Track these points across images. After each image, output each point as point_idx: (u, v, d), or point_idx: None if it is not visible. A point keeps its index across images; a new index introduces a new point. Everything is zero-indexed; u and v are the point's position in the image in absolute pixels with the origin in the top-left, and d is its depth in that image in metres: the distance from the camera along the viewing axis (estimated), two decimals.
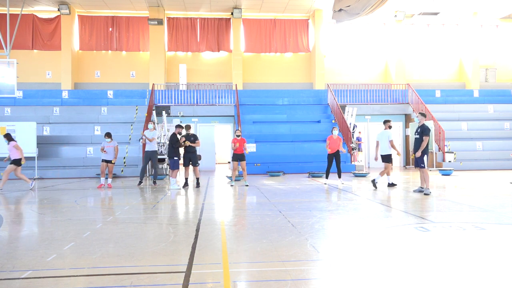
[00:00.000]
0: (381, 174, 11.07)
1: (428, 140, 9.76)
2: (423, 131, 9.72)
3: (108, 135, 12.04)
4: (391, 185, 11.14)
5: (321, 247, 4.94)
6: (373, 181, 10.89)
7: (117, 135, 17.54)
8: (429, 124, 17.96)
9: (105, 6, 21.55)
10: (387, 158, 11.20)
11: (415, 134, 10.04)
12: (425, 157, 9.93)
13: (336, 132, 12.32)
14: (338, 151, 12.23)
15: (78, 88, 21.98)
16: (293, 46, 23.39)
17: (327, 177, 12.45)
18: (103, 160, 12.00)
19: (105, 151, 11.92)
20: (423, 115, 10.13)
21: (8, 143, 11.44)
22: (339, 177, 12.26)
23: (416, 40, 23.87)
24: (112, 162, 12.08)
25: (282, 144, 17.98)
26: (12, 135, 15.87)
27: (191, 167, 12.05)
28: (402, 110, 20.81)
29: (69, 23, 21.67)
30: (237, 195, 10.30)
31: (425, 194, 9.58)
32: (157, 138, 12.82)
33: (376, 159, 11.28)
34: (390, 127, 11.47)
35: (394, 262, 4.37)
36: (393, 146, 11.18)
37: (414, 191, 10.10)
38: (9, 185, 13.20)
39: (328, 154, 12.30)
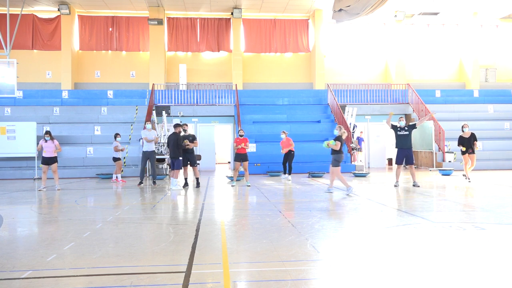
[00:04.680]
0: None
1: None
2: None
3: (119, 135, 14.16)
4: None
5: (321, 247, 4.94)
6: None
7: None
8: (429, 124, 17.96)
9: (105, 6, 21.55)
10: None
11: (402, 131, 11.18)
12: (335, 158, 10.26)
13: (284, 135, 13.83)
14: (290, 150, 13.66)
15: (78, 88, 21.97)
16: (293, 46, 23.38)
17: (284, 173, 13.84)
18: (118, 159, 13.85)
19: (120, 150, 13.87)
20: (339, 127, 10.28)
21: (53, 141, 11.72)
22: (289, 173, 13.66)
23: (416, 40, 23.85)
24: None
25: None
26: (12, 135, 16.06)
27: (190, 167, 12.07)
28: (402, 110, 20.80)
29: (69, 23, 21.66)
30: (237, 195, 10.30)
31: (347, 192, 9.70)
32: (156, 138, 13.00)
33: None
34: None
35: (394, 262, 4.37)
36: None
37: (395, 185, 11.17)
38: (10, 185, 13.20)
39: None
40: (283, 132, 13.96)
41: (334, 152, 9.83)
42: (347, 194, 9.51)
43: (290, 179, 13.45)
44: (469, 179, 12.31)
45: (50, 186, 12.13)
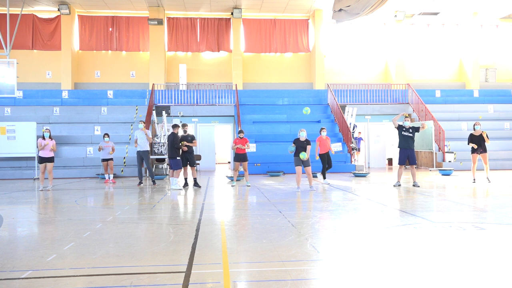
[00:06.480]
0: None
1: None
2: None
3: (107, 135, 13.84)
4: None
5: (321, 247, 4.94)
6: None
7: (117, 135, 17.58)
8: (429, 124, 17.96)
9: (105, 6, 21.54)
10: None
11: (406, 132, 11.24)
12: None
13: (324, 133, 12.63)
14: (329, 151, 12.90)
15: (78, 88, 21.97)
16: (293, 46, 23.37)
17: (324, 178, 12.86)
18: (103, 160, 13.71)
19: (102, 149, 13.63)
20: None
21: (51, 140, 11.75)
22: (324, 177, 12.87)
23: (416, 40, 23.85)
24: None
25: (282, 144, 17.91)
26: (12, 135, 16.05)
27: (189, 166, 12.08)
28: (402, 110, 20.77)
29: (69, 23, 21.66)
30: (237, 195, 10.31)
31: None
32: (155, 138, 13.11)
33: None
34: None
35: (394, 262, 4.37)
36: None
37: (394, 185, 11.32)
38: (10, 185, 13.21)
39: (320, 155, 12.73)
40: (323, 129, 12.65)
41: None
42: (296, 191, 10.48)
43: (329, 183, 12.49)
44: (474, 179, 12.04)
45: (51, 186, 12.11)
